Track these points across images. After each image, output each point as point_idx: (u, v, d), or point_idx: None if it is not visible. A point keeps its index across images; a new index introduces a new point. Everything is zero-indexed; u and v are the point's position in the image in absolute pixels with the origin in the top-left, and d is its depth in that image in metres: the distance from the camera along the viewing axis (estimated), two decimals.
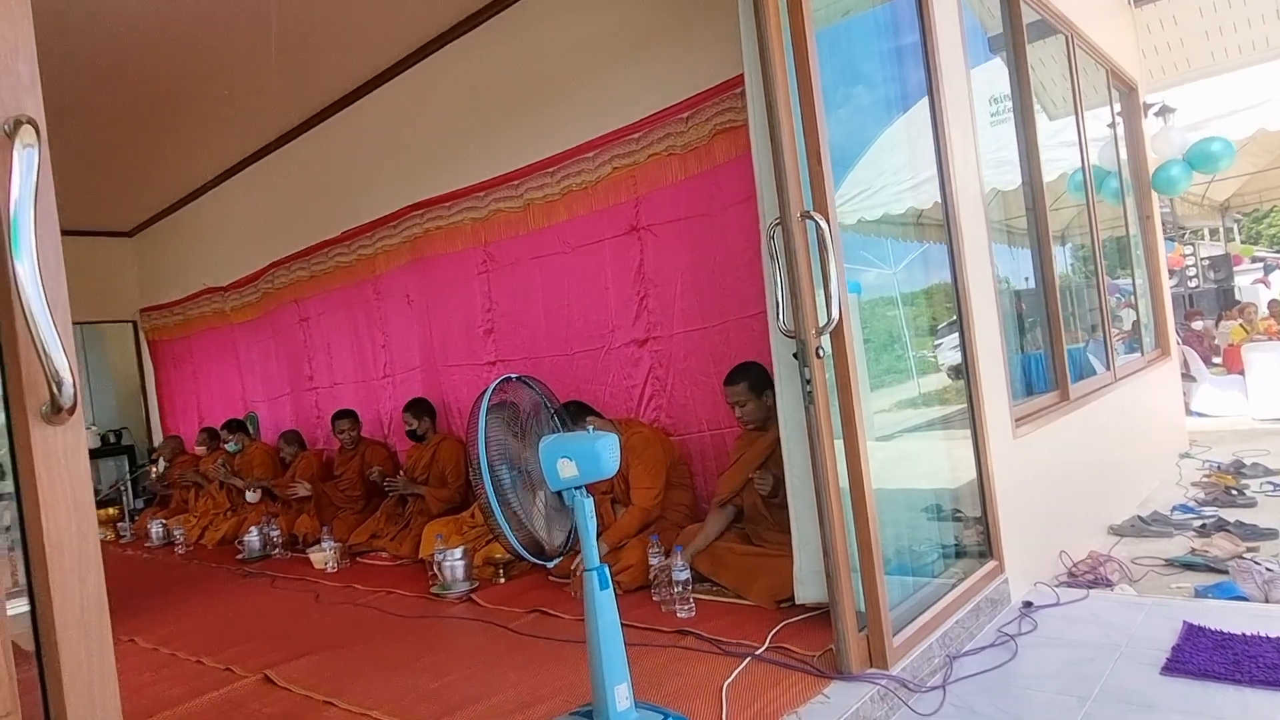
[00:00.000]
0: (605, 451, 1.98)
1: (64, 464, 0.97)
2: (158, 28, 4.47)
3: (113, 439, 8.97)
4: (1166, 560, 3.55)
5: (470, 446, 1.97)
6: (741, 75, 2.69)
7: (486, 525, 2.07)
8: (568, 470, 1.99)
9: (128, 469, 8.65)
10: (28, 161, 0.92)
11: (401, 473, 5.14)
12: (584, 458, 1.98)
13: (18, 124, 0.93)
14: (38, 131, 0.94)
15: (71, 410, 0.95)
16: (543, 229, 4.49)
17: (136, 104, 5.46)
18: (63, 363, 0.92)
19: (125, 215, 8.28)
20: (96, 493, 8.28)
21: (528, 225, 4.57)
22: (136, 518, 7.35)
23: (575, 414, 3.68)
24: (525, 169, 4.50)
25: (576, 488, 2.03)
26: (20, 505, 0.96)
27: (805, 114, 2.31)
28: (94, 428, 8.95)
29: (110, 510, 7.45)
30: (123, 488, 7.85)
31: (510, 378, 2.20)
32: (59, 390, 0.93)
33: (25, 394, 0.95)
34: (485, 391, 2.02)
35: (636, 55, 4.04)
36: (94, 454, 8.76)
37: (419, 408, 5.05)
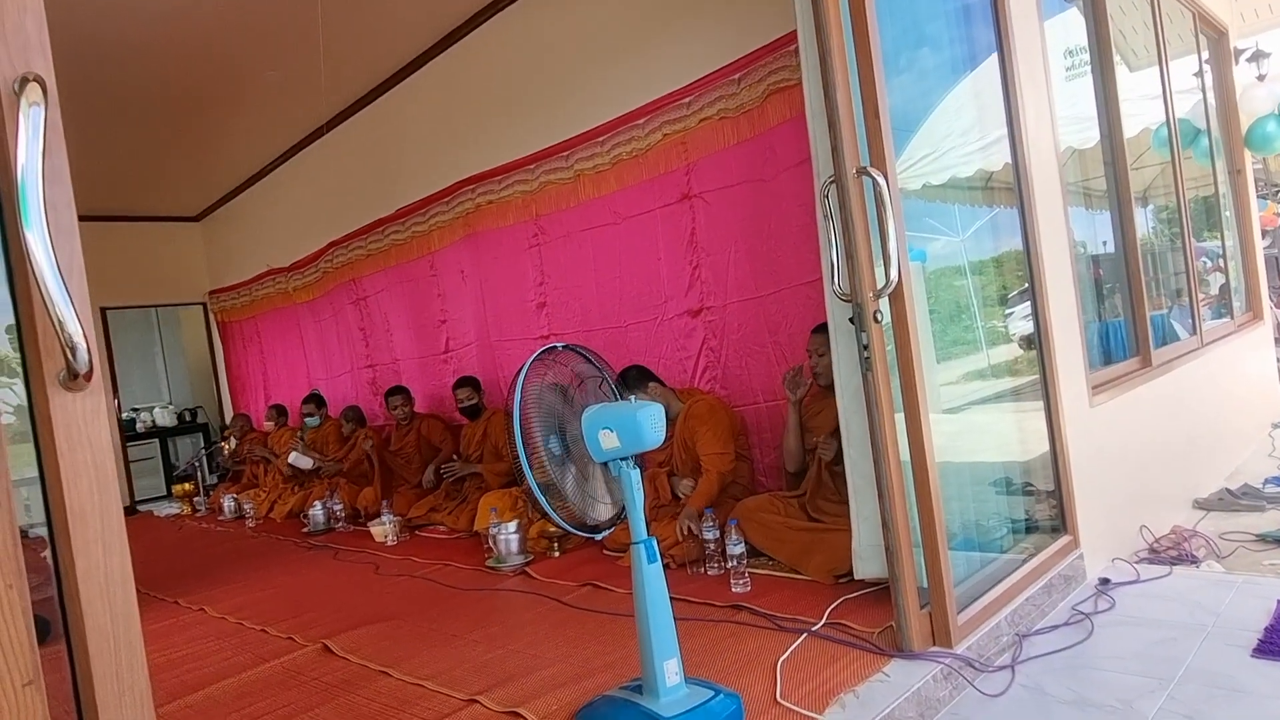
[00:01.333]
0: (647, 422, 1.92)
1: (84, 431, 0.96)
2: (208, 17, 4.55)
3: (188, 417, 9.33)
4: (1258, 535, 3.34)
5: (509, 419, 1.94)
6: (794, 32, 2.57)
7: (530, 502, 2.03)
8: (609, 441, 1.94)
9: (203, 445, 8.99)
10: (34, 121, 0.90)
11: (455, 456, 5.19)
12: (625, 428, 1.92)
13: (24, 81, 0.90)
14: (44, 90, 0.91)
15: (88, 376, 0.93)
16: (593, 200, 4.43)
17: (195, 91, 5.60)
18: (76, 328, 0.91)
19: (192, 201, 8.54)
20: (174, 468, 8.73)
21: (578, 196, 4.51)
22: (211, 493, 7.63)
23: (636, 379, 3.64)
24: (575, 139, 4.44)
25: (622, 459, 1.98)
26: (42, 474, 0.95)
27: (861, 65, 2.19)
28: (171, 406, 9.33)
29: (186, 485, 7.75)
30: (198, 464, 8.16)
31: (555, 347, 2.15)
32: (74, 356, 0.91)
33: (42, 361, 0.94)
34: (522, 368, 1.97)
35: (685, 16, 3.92)
36: (171, 431, 9.15)
37: (473, 384, 5.09)
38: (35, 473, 0.98)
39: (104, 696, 0.95)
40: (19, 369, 0.98)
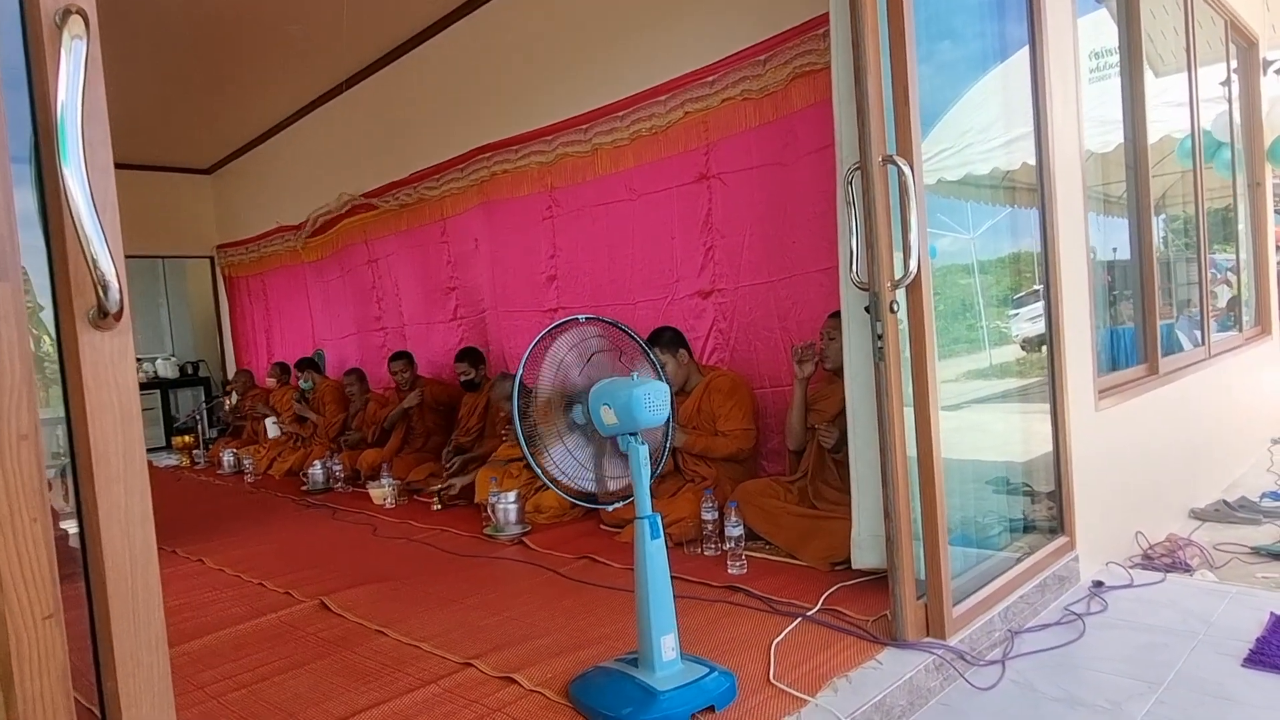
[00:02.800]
0: (641, 401, 1.91)
1: (111, 371, 0.96)
2: None
3: (190, 370, 9.34)
4: (1253, 548, 3.36)
5: (520, 388, 1.94)
6: (825, 15, 2.55)
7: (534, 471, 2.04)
8: (609, 418, 1.95)
9: (204, 399, 9.00)
10: (76, 55, 0.89)
11: (453, 439, 5.18)
12: (620, 406, 1.92)
13: (67, 13, 0.89)
14: (87, 23, 0.90)
15: (118, 316, 0.93)
16: (609, 175, 4.41)
17: (213, 42, 5.53)
18: (109, 267, 0.90)
19: (203, 153, 8.48)
20: (174, 420, 8.75)
21: (595, 171, 4.49)
22: (210, 446, 7.66)
23: (670, 341, 3.64)
24: (594, 112, 4.41)
25: (630, 434, 1.98)
26: (68, 412, 0.95)
27: (894, 50, 2.16)
28: (173, 358, 9.33)
29: (186, 438, 7.78)
30: (198, 417, 8.17)
31: (577, 318, 2.14)
32: (105, 294, 0.91)
33: (73, 298, 0.93)
34: (527, 351, 1.97)
35: None
36: (173, 384, 9.17)
37: (474, 357, 5.08)
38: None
39: (120, 634, 0.96)
40: (43, 319, 0.98)
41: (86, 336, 0.94)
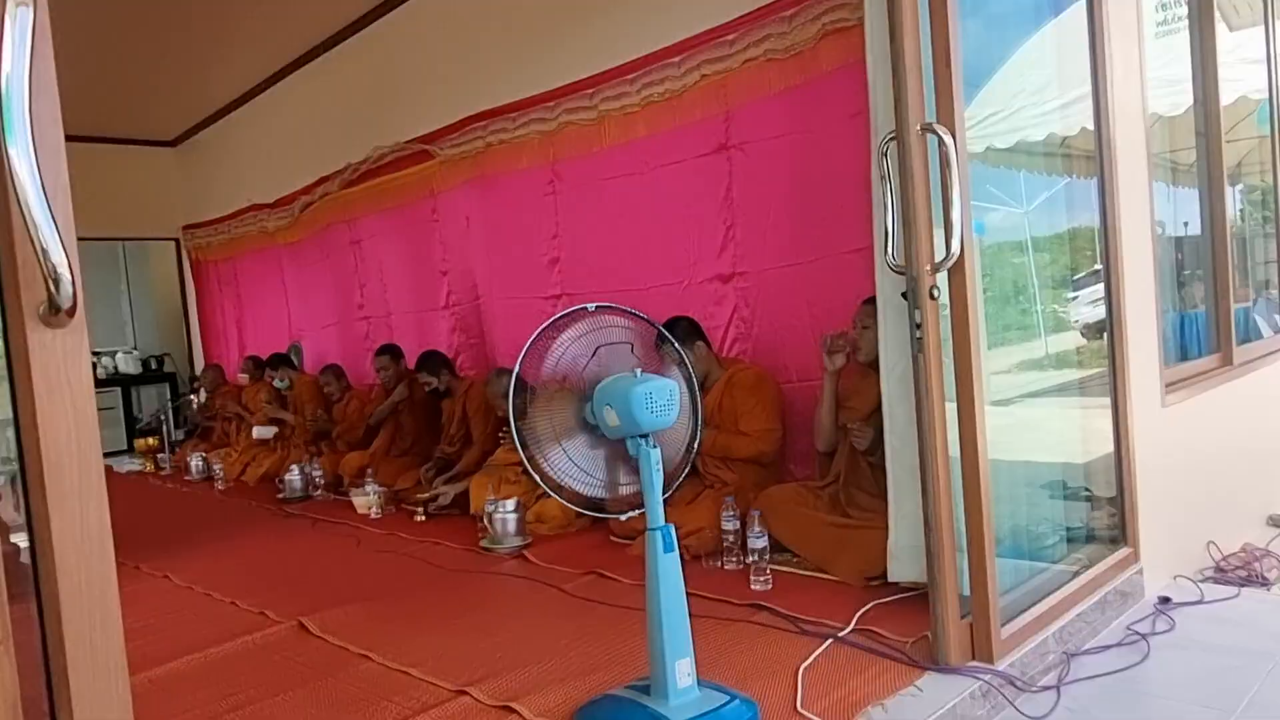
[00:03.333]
0: (641, 399, 1.91)
1: (64, 371, 0.97)
2: None
3: (154, 365, 9.40)
4: None
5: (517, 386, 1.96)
6: None
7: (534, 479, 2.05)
8: (611, 419, 1.95)
9: (169, 397, 9.06)
10: (22, 23, 0.89)
11: (437, 451, 5.21)
12: (621, 406, 1.93)
13: None
14: None
15: (71, 312, 0.94)
16: (618, 145, 4.40)
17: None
18: (61, 258, 0.91)
19: (167, 123, 8.47)
20: (136, 421, 8.81)
21: (602, 141, 4.48)
22: (177, 449, 7.71)
23: (686, 333, 3.63)
24: (601, 76, 4.39)
25: (641, 436, 1.98)
26: (17, 420, 0.96)
27: (934, 4, 2.15)
28: (135, 352, 9.40)
29: (150, 440, 7.82)
30: (163, 417, 8.23)
31: (586, 307, 2.14)
32: (56, 289, 0.91)
33: (21, 292, 0.94)
34: (528, 342, 1.99)
35: None
36: (135, 380, 9.24)
37: (432, 364, 5.08)
38: None
39: (76, 662, 0.97)
40: None
41: (36, 335, 0.95)
